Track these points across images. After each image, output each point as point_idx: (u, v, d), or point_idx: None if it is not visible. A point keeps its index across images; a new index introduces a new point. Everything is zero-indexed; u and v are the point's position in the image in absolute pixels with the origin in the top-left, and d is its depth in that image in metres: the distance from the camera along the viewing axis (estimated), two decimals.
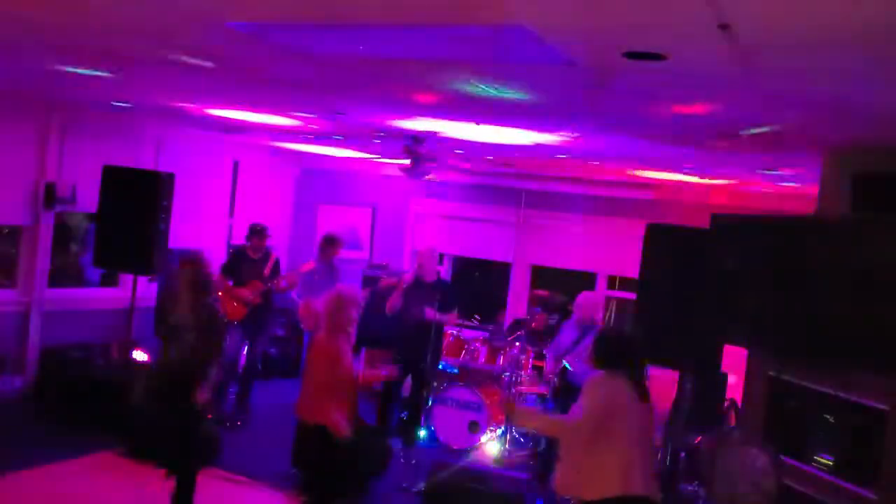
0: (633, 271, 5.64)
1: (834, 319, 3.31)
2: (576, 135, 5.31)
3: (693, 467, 5.63)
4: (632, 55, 2.83)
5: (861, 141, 4.33)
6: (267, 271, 7.63)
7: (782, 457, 4.13)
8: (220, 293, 7.61)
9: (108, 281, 8.36)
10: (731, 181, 7.29)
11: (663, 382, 7.07)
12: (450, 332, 7.95)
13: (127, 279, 7.65)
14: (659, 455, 5.16)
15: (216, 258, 9.05)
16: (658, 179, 7.99)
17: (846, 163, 4.47)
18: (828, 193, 4.72)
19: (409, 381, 7.12)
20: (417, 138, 6.43)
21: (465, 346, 8.01)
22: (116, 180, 6.75)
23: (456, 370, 8.06)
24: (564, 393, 6.61)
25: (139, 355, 7.04)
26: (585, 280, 9.26)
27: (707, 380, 6.19)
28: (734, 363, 5.56)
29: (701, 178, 7.31)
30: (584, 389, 3.71)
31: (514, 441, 7.26)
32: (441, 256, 9.49)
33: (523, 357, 7.50)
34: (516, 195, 9.33)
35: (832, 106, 3.49)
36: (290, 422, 4.84)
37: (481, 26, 2.71)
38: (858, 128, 4.01)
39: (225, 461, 6.15)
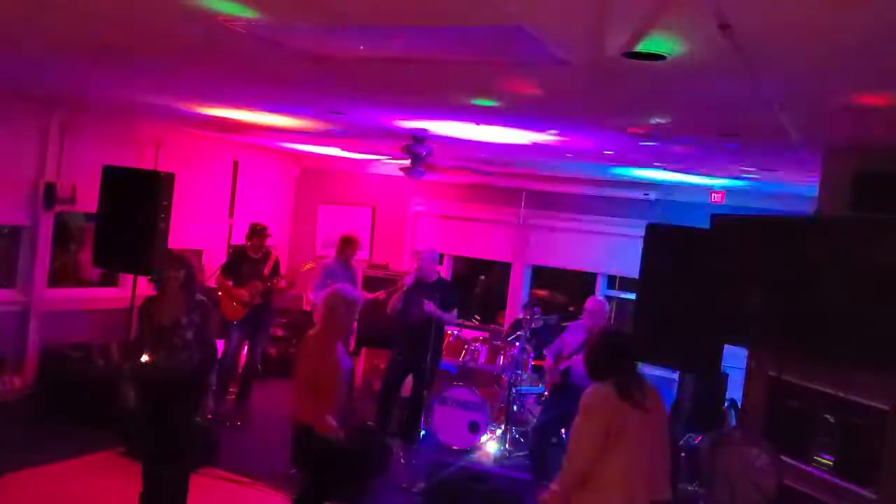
0: (633, 271, 5.64)
1: (834, 319, 3.31)
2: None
3: (693, 467, 5.63)
4: (632, 55, 2.83)
5: (861, 141, 4.33)
6: (267, 271, 7.64)
7: (782, 457, 4.13)
8: (219, 293, 7.63)
9: (108, 281, 8.35)
10: (732, 181, 7.29)
11: (663, 382, 7.09)
12: (450, 332, 7.96)
13: (127, 279, 7.64)
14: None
15: (216, 258, 9.08)
16: (658, 179, 7.99)
17: (846, 163, 4.47)
18: (828, 193, 4.72)
19: (409, 381, 7.12)
20: (417, 138, 6.43)
21: (465, 346, 8.01)
22: (116, 180, 6.74)
23: (456, 370, 8.06)
24: (563, 391, 6.60)
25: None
26: (585, 280, 9.27)
27: (707, 380, 6.20)
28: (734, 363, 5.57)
29: (701, 178, 7.32)
30: (581, 411, 3.64)
31: (513, 441, 7.26)
32: (441, 256, 9.49)
33: (523, 357, 7.50)
34: (516, 195, 9.33)
35: (831, 106, 3.49)
36: (289, 422, 4.83)
37: (481, 26, 2.71)
38: (858, 128, 4.01)
39: (225, 461, 6.15)
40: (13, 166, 7.18)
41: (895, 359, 3.19)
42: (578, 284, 9.36)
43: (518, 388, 7.34)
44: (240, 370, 7.83)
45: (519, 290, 9.53)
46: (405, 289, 6.92)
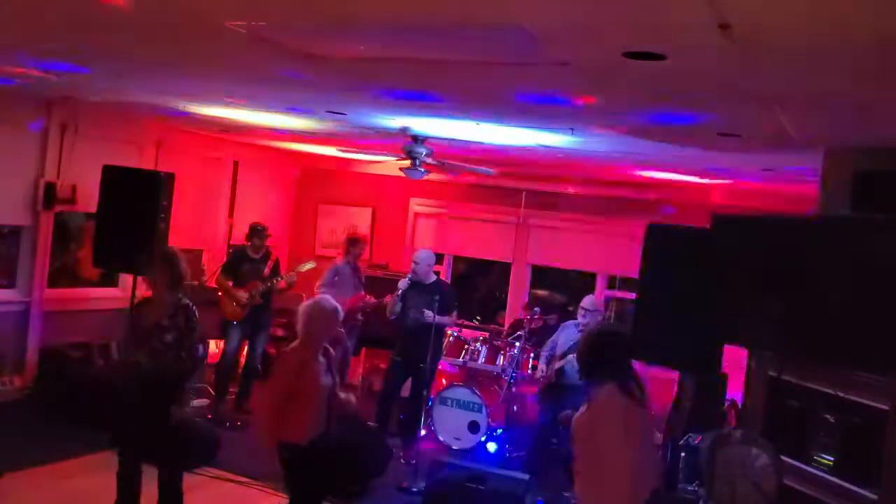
0: (633, 271, 5.64)
1: (834, 319, 3.31)
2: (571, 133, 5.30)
3: (693, 467, 5.63)
4: (632, 55, 2.83)
5: (861, 141, 4.33)
6: (267, 271, 7.64)
7: (782, 457, 4.12)
8: (219, 293, 7.63)
9: (108, 281, 8.35)
10: (731, 181, 7.29)
11: (663, 382, 7.08)
12: (450, 332, 7.96)
13: (127, 279, 7.64)
14: (659, 454, 5.16)
15: (216, 258, 9.08)
16: (658, 179, 7.99)
17: (846, 163, 4.47)
18: (828, 193, 4.71)
19: (409, 381, 7.12)
20: (417, 138, 6.43)
21: (465, 346, 8.02)
22: (116, 180, 6.75)
23: (456, 370, 8.06)
24: (556, 391, 6.60)
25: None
26: (585, 280, 9.27)
27: (707, 380, 6.20)
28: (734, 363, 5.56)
29: (701, 178, 7.31)
30: (596, 419, 3.68)
31: (513, 441, 7.26)
32: (441, 257, 9.49)
33: (523, 357, 7.50)
34: (516, 195, 9.33)
35: (833, 106, 3.49)
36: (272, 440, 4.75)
37: (481, 26, 2.71)
38: (858, 128, 4.01)
39: (225, 461, 6.15)
40: (13, 166, 7.18)
41: (894, 359, 3.19)
42: (578, 284, 9.36)
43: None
44: (239, 370, 7.84)
45: (519, 290, 9.52)
46: (401, 291, 6.91)
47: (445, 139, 6.39)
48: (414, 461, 6.47)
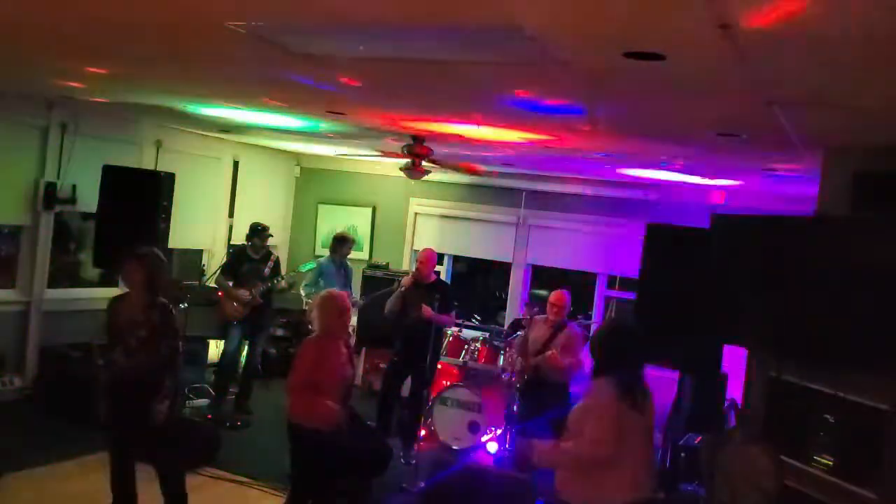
0: (633, 271, 5.64)
1: (834, 319, 3.31)
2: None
3: (693, 467, 5.63)
4: (631, 55, 2.83)
5: (861, 141, 4.33)
6: (267, 271, 7.64)
7: (782, 457, 4.13)
8: (219, 293, 7.63)
9: (108, 281, 8.35)
10: (731, 181, 7.29)
11: (663, 382, 7.07)
12: (449, 331, 7.96)
13: None
14: (659, 455, 5.16)
15: (216, 258, 9.08)
16: (658, 179, 7.99)
17: (846, 163, 4.47)
18: (828, 193, 4.71)
19: (409, 381, 7.12)
20: (417, 138, 6.43)
21: (465, 346, 8.01)
22: (116, 180, 6.75)
23: (456, 370, 8.05)
24: (535, 387, 6.58)
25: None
26: (585, 280, 9.27)
27: (707, 380, 6.20)
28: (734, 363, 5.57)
29: (701, 178, 7.32)
30: (587, 409, 3.68)
31: (514, 441, 7.25)
32: (441, 256, 9.50)
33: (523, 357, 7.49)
34: (516, 195, 9.33)
35: (833, 106, 3.49)
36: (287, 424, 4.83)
37: (481, 26, 2.71)
38: (858, 128, 4.01)
39: (225, 461, 6.15)
40: (13, 166, 7.19)
41: (895, 359, 3.19)
42: (578, 284, 9.36)
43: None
44: (240, 370, 7.84)
45: (519, 290, 9.53)
46: (403, 290, 6.91)
47: (445, 139, 6.38)
48: (414, 461, 6.47)
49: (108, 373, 4.68)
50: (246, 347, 7.87)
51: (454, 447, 7.10)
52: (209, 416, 7.33)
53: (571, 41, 2.82)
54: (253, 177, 9.97)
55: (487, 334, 8.20)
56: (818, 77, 2.98)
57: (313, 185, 10.69)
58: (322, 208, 10.52)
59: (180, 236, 7.46)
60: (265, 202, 10.11)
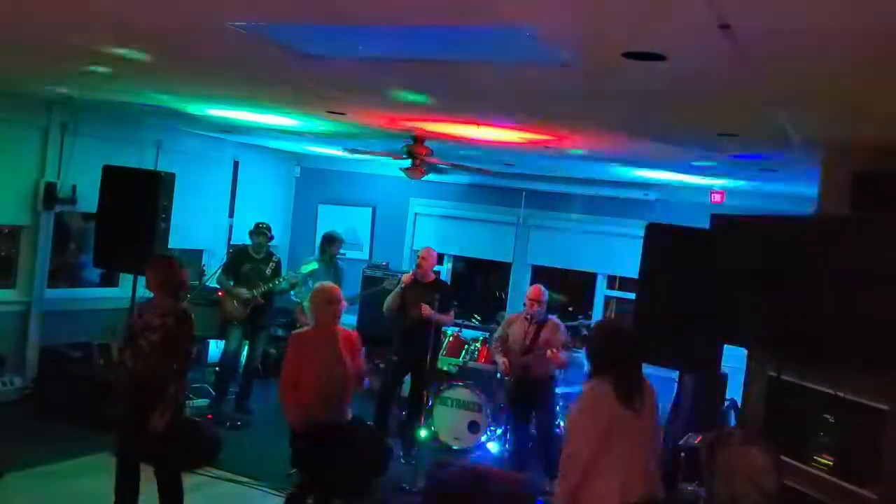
0: (633, 271, 5.64)
1: (834, 319, 3.31)
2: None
3: (693, 467, 5.63)
4: (631, 55, 2.83)
5: (861, 141, 4.33)
6: (269, 272, 7.65)
7: (782, 457, 4.13)
8: (220, 293, 7.63)
9: (108, 281, 8.36)
10: (731, 181, 7.29)
11: (663, 382, 7.07)
12: (449, 331, 7.96)
13: (127, 279, 7.65)
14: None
15: (216, 258, 9.08)
16: (658, 179, 7.99)
17: (846, 163, 4.47)
18: (828, 193, 4.71)
19: (409, 380, 7.11)
20: (417, 138, 6.43)
21: (465, 346, 8.01)
22: (116, 180, 6.75)
23: (456, 370, 8.06)
24: (524, 386, 6.57)
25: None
26: (585, 280, 9.27)
27: (707, 380, 6.20)
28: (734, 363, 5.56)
29: (701, 178, 7.32)
30: (579, 409, 3.68)
31: (514, 441, 7.25)
32: (441, 256, 9.49)
33: None
34: (516, 195, 9.33)
35: (833, 106, 3.49)
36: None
37: (481, 26, 2.71)
38: (858, 128, 4.01)
39: (225, 461, 6.16)
40: (13, 166, 7.19)
41: (894, 359, 3.19)
42: (578, 284, 9.37)
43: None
44: (240, 370, 7.84)
45: (519, 290, 9.52)
46: (403, 289, 6.91)
47: (445, 139, 6.38)
48: (414, 461, 6.47)
49: (116, 373, 4.70)
50: (246, 347, 7.87)
51: (454, 447, 7.10)
52: (209, 416, 7.33)
53: (571, 42, 2.82)
54: (253, 177, 9.97)
55: (488, 334, 8.20)
56: (818, 77, 2.98)
57: (313, 185, 10.69)
58: (322, 208, 10.52)
59: (180, 236, 7.46)
60: (265, 202, 10.11)
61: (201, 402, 7.62)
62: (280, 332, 9.20)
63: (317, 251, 8.61)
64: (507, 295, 9.68)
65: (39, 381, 7.28)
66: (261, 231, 7.72)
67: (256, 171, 10.05)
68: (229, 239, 9.61)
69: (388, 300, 6.98)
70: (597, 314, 9.06)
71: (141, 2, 2.92)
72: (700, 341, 4.39)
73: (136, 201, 6.49)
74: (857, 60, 2.65)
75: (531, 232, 9.43)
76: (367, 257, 10.01)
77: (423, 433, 6.84)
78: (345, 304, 4.94)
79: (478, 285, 10.74)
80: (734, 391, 6.35)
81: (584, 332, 7.50)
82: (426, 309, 6.61)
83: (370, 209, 10.28)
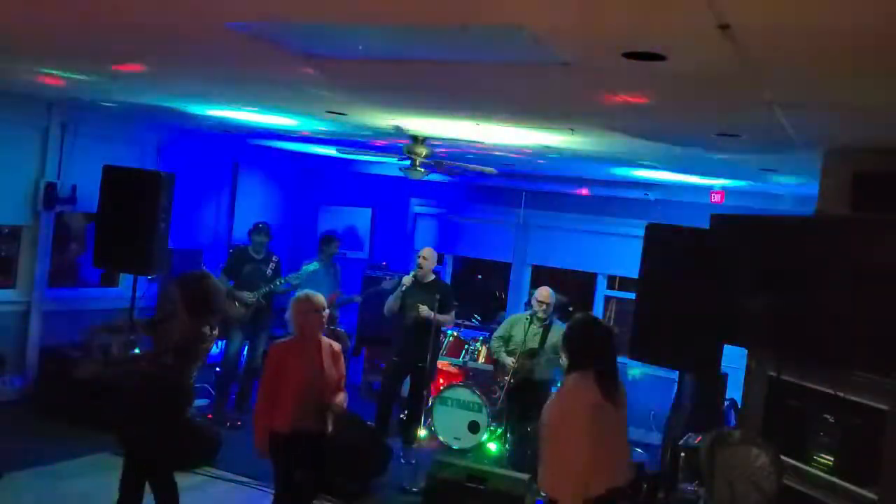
0: (633, 271, 5.64)
1: (833, 319, 3.31)
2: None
3: (693, 467, 5.63)
4: (631, 55, 2.83)
5: (861, 141, 4.33)
6: (269, 272, 7.64)
7: (782, 457, 4.13)
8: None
9: (108, 281, 8.35)
10: (732, 181, 7.29)
11: (663, 382, 7.08)
12: (449, 331, 7.96)
13: (127, 279, 7.65)
14: (659, 455, 5.15)
15: (216, 258, 9.07)
16: (658, 179, 7.99)
17: (846, 163, 4.47)
18: (828, 193, 4.71)
19: (409, 380, 7.12)
20: (417, 138, 6.43)
21: (465, 346, 8.01)
22: (116, 180, 6.75)
23: (456, 370, 8.06)
24: (522, 386, 6.58)
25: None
26: (585, 280, 9.27)
27: (707, 380, 6.20)
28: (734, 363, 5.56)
29: (701, 178, 7.31)
30: (564, 412, 3.72)
31: (513, 441, 7.26)
32: (441, 256, 9.50)
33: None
34: (516, 195, 9.33)
35: (833, 106, 3.49)
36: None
37: (481, 26, 2.71)
38: (858, 128, 4.01)
39: (225, 461, 6.16)
40: (13, 166, 7.19)
41: (894, 359, 3.19)
42: (578, 284, 9.36)
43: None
44: (240, 370, 7.84)
45: (519, 290, 9.52)
46: (403, 289, 6.92)
47: (445, 139, 6.38)
48: (414, 461, 6.47)
49: (127, 373, 4.71)
50: (246, 347, 7.87)
51: (454, 447, 7.10)
52: (209, 416, 7.33)
53: (571, 42, 2.82)
54: (253, 177, 9.97)
55: (487, 334, 8.21)
56: (818, 77, 2.98)
57: (313, 185, 10.70)
58: (322, 208, 10.52)
59: (180, 236, 7.46)
60: (265, 202, 10.11)
61: (201, 401, 7.62)
62: (281, 332, 9.20)
63: (316, 251, 8.62)
64: (507, 295, 9.68)
65: (39, 381, 7.28)
66: (261, 231, 7.71)
67: (256, 171, 10.05)
68: (229, 239, 9.61)
69: (389, 302, 6.99)
70: (597, 314, 9.06)
71: (141, 2, 2.92)
72: (700, 341, 4.39)
73: (136, 201, 6.49)
74: (857, 60, 2.65)
75: (531, 232, 9.43)
76: (367, 257, 10.02)
77: (422, 433, 6.85)
78: (328, 312, 4.82)
79: (478, 285, 10.74)
80: (734, 391, 6.35)
81: None
82: (424, 310, 6.61)
83: (370, 209, 10.29)
